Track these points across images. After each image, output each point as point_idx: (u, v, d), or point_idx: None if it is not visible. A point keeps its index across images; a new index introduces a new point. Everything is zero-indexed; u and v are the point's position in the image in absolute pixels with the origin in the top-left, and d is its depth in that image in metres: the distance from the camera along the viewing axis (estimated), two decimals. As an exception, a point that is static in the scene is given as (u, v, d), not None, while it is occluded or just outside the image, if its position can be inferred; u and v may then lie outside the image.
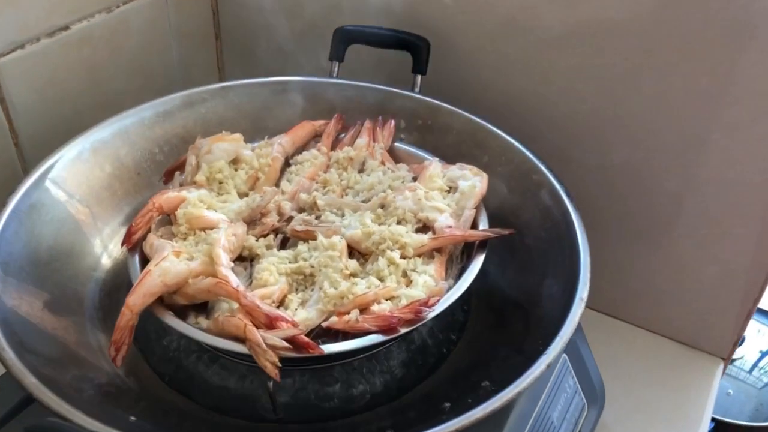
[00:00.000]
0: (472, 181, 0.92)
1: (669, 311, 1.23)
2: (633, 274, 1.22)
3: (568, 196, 0.93)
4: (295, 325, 0.76)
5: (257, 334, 0.73)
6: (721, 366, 1.22)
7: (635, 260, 1.20)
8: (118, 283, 0.95)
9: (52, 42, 1.12)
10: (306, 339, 0.73)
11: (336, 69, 1.18)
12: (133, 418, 0.74)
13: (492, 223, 0.91)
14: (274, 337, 0.73)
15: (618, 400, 1.12)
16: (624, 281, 1.24)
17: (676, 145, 1.06)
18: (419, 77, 1.14)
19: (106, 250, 0.98)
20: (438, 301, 0.78)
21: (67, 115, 1.17)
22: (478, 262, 0.84)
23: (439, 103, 1.09)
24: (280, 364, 0.72)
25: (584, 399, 1.05)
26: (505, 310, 0.92)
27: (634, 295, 1.25)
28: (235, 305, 0.78)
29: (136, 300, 0.78)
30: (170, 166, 1.00)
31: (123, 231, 0.98)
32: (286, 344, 0.73)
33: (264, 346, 0.72)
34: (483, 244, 0.87)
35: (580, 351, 1.04)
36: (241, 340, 0.75)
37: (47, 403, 0.67)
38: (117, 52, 1.23)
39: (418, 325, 0.77)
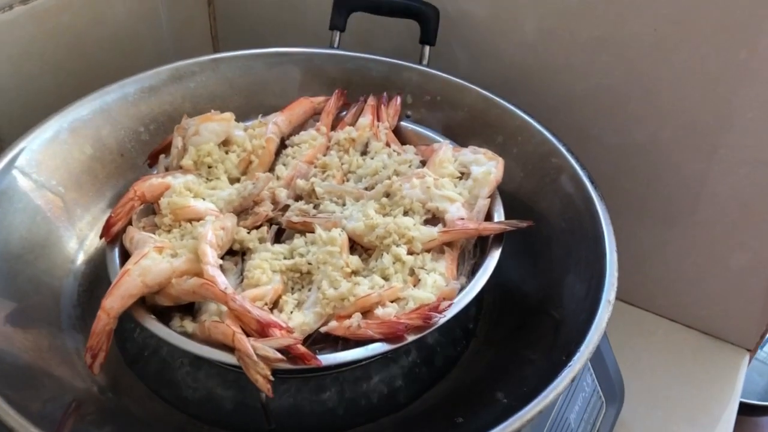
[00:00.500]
0: (487, 166, 0.84)
1: (692, 300, 1.16)
2: (654, 259, 1.15)
3: (592, 182, 0.85)
4: (289, 331, 0.69)
5: (247, 344, 0.66)
6: (747, 358, 1.16)
7: (656, 245, 1.14)
8: (100, 276, 0.87)
9: (27, 9, 1.03)
10: (302, 349, 0.66)
11: (337, 39, 1.10)
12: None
13: (506, 212, 0.84)
14: (267, 347, 0.66)
15: (637, 396, 1.06)
16: (644, 267, 1.18)
17: (707, 124, 0.99)
18: (427, 48, 1.06)
19: (86, 240, 0.90)
20: (450, 306, 0.70)
21: (46, 90, 1.10)
22: (493, 259, 0.77)
23: (448, 77, 1.02)
24: (272, 378, 0.65)
25: (603, 397, 0.99)
26: (521, 311, 0.84)
27: (655, 282, 1.18)
28: (224, 307, 0.70)
29: (114, 302, 0.71)
30: (155, 148, 0.92)
31: (104, 218, 0.90)
32: (279, 355, 0.65)
33: (255, 357, 0.65)
34: (499, 238, 0.79)
35: (599, 346, 0.97)
36: (230, 348, 0.67)
37: (11, 427, 0.59)
38: (100, 20, 1.15)
39: (428, 332, 0.69)
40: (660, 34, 0.95)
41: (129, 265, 0.72)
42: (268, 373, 0.65)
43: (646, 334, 1.19)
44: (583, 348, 0.68)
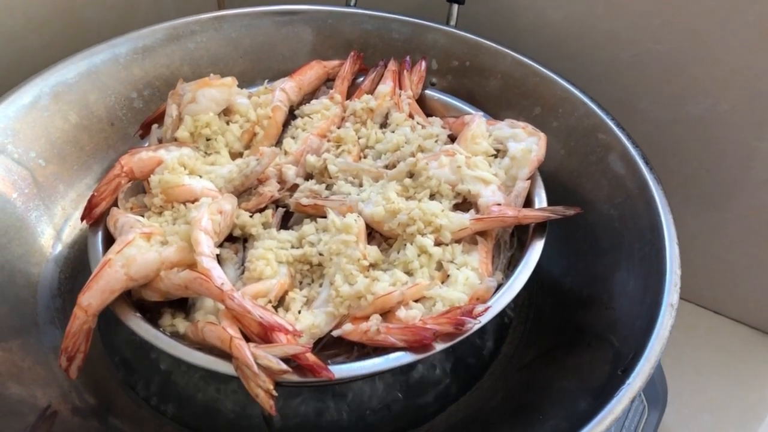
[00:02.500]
0: (527, 143, 0.74)
1: (741, 291, 1.07)
2: (700, 247, 1.06)
3: (647, 163, 0.75)
4: (297, 335, 0.59)
5: (246, 352, 0.56)
6: (801, 356, 1.06)
7: (704, 231, 1.04)
8: (85, 261, 0.77)
9: (9, -43, 0.93)
10: (311, 359, 0.57)
11: (354, -4, 1.01)
12: (87, 456, 0.57)
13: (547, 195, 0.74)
14: (269, 356, 0.56)
15: (681, 398, 0.99)
16: (688, 254, 1.07)
17: (776, 96, 0.88)
18: (456, 7, 0.96)
19: (70, 220, 0.82)
20: (486, 310, 0.59)
21: (31, 50, 1.00)
22: (535, 252, 0.67)
23: (479, 39, 0.92)
24: (275, 393, 0.55)
25: (645, 401, 0.91)
26: (563, 311, 0.74)
27: (700, 272, 1.08)
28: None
29: (92, 298, 0.61)
30: (147, 117, 0.83)
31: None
32: (284, 366, 0.56)
33: (255, 368, 0.56)
34: (541, 227, 0.70)
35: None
36: (228, 354, 0.57)
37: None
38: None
39: (459, 340, 0.58)
40: (726, -9, 0.84)
41: (111, 254, 0.63)
42: (271, 387, 0.56)
43: (688, 328, 1.10)
44: (643, 361, 0.59)
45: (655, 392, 0.93)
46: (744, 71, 0.88)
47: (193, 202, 0.70)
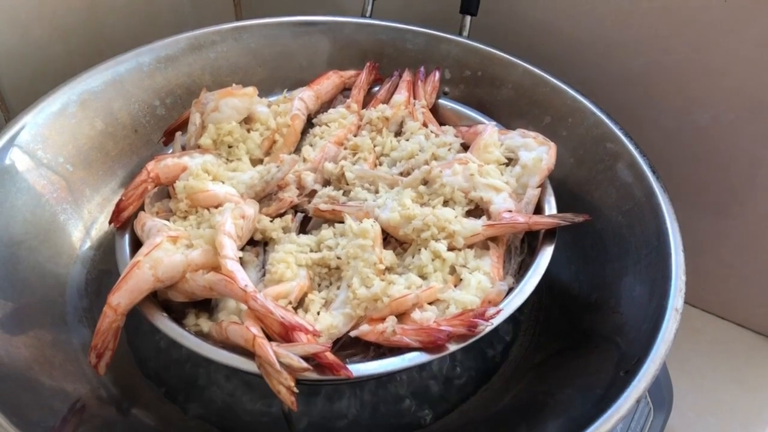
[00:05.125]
0: (538, 152, 0.76)
1: (747, 297, 1.08)
2: (706, 252, 1.07)
3: (654, 172, 0.77)
4: (316, 335, 0.61)
5: (269, 350, 0.59)
6: (806, 361, 1.07)
7: (711, 237, 1.05)
8: (110, 263, 0.79)
9: (36, -31, 0.95)
10: (331, 358, 0.59)
11: (369, 7, 1.02)
12: (116, 448, 0.60)
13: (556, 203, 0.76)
14: (291, 354, 0.58)
15: (686, 402, 1.00)
16: (694, 260, 1.08)
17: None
18: (468, 18, 0.97)
19: (96, 223, 0.84)
20: (498, 313, 0.62)
21: (56, 58, 1.02)
22: (545, 258, 0.69)
23: (491, 50, 0.93)
24: (296, 390, 0.58)
25: (650, 403, 0.92)
26: (571, 315, 0.76)
27: (706, 277, 1.09)
28: (244, 305, 0.63)
29: (122, 298, 0.64)
30: (171, 125, 0.85)
31: (116, 200, 0.83)
32: (305, 364, 0.58)
33: (278, 366, 0.58)
34: (551, 234, 0.71)
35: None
36: (250, 353, 0.60)
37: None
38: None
39: (472, 341, 0.61)
40: (731, 5, 0.85)
41: (139, 256, 0.65)
42: (292, 384, 0.58)
43: (694, 332, 1.11)
44: (648, 363, 0.61)
45: (661, 395, 0.94)
46: (749, 82, 0.89)
47: (216, 207, 0.72)
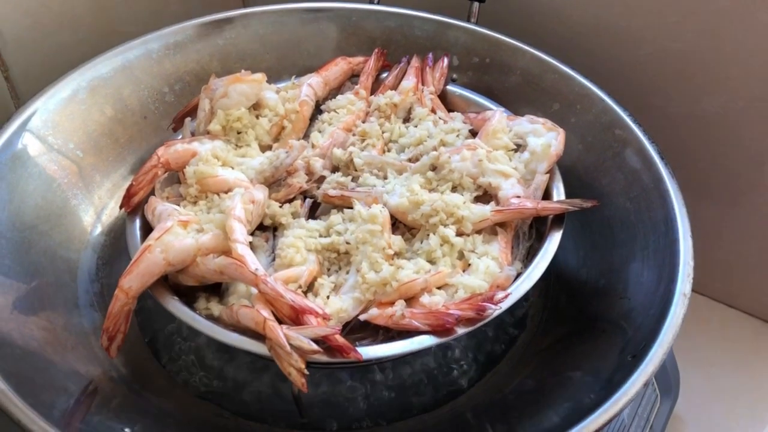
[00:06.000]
0: (546, 138, 0.76)
1: (753, 285, 1.08)
2: (713, 241, 1.06)
3: (662, 158, 0.77)
4: (326, 318, 0.62)
5: (280, 333, 0.59)
6: (812, 348, 1.07)
7: (717, 226, 1.05)
8: (120, 248, 0.81)
9: (45, -44, 0.96)
10: (341, 341, 0.59)
11: (377, -7, 1.02)
12: (127, 430, 0.61)
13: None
14: (301, 337, 0.59)
15: (693, 389, 0.99)
16: (702, 248, 1.08)
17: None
18: (476, 5, 0.97)
19: (106, 209, 0.85)
20: (506, 297, 0.62)
21: (65, 45, 1.03)
22: (553, 243, 0.69)
23: (499, 36, 0.93)
24: (307, 372, 0.58)
25: (657, 390, 0.93)
26: (579, 300, 0.76)
27: (713, 265, 1.09)
28: (254, 289, 0.63)
29: (133, 281, 0.64)
30: (180, 111, 0.85)
31: (126, 186, 0.84)
32: (315, 346, 0.59)
33: (288, 348, 0.59)
34: (559, 219, 0.71)
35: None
36: (261, 336, 0.60)
37: (18, 419, 0.54)
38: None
39: (480, 325, 0.61)
40: (740, -8, 0.85)
41: (150, 240, 0.66)
42: (303, 366, 0.59)
43: (701, 320, 1.11)
44: (656, 347, 0.61)
45: (668, 382, 0.95)
46: (758, 69, 0.89)
47: (226, 192, 0.72)
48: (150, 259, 0.65)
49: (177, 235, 0.66)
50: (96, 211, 0.84)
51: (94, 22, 1.06)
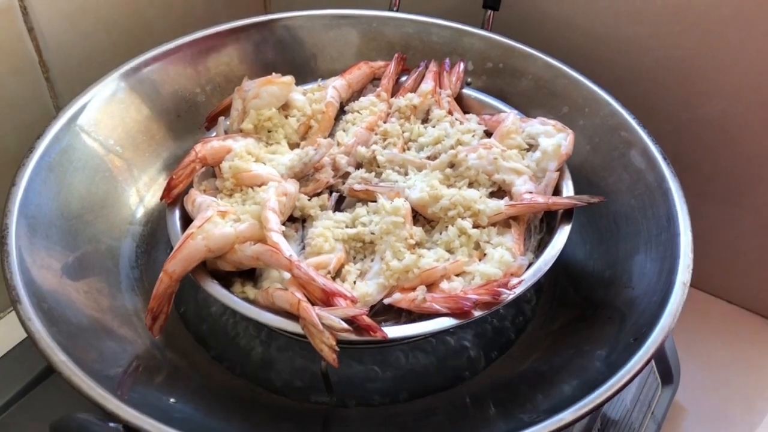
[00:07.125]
0: (557, 138, 0.81)
1: (752, 282, 1.13)
2: (714, 239, 1.11)
3: (665, 159, 0.82)
4: (354, 301, 0.67)
5: (313, 313, 0.64)
6: (808, 344, 1.11)
7: (718, 224, 1.10)
8: (157, 237, 0.87)
9: (83, -34, 1.01)
10: (368, 321, 0.64)
11: (397, 1, 1.06)
12: (172, 400, 0.66)
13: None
14: (332, 317, 0.64)
15: (693, 379, 1.03)
16: (703, 246, 1.13)
17: (787, 100, 0.94)
18: (491, 13, 1.02)
19: (143, 201, 0.90)
20: (519, 283, 0.68)
21: (100, 47, 1.07)
22: (563, 236, 0.74)
23: (512, 43, 0.98)
24: (338, 348, 0.64)
25: (658, 378, 0.97)
26: (586, 290, 0.81)
27: (713, 262, 1.13)
28: (287, 274, 0.69)
29: (176, 266, 0.70)
30: (213, 110, 0.90)
31: (161, 180, 0.91)
32: (345, 325, 0.64)
33: (320, 326, 0.64)
34: (568, 214, 0.76)
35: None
36: (294, 316, 0.66)
37: (78, 386, 0.59)
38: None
39: (495, 309, 0.67)
40: (740, 2, 0.89)
41: (192, 228, 0.71)
42: (334, 343, 0.64)
43: (701, 315, 1.15)
44: (657, 330, 0.66)
45: (669, 372, 0.99)
46: (757, 76, 0.93)
47: (259, 185, 0.77)
48: (192, 245, 0.70)
49: (216, 224, 0.71)
50: (134, 203, 0.89)
51: (127, 26, 1.10)
